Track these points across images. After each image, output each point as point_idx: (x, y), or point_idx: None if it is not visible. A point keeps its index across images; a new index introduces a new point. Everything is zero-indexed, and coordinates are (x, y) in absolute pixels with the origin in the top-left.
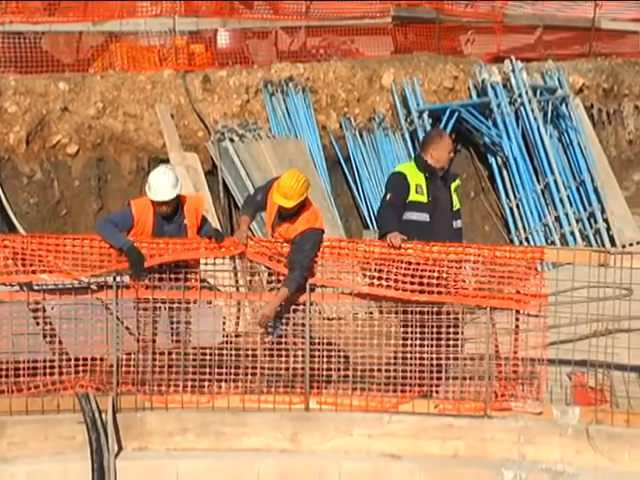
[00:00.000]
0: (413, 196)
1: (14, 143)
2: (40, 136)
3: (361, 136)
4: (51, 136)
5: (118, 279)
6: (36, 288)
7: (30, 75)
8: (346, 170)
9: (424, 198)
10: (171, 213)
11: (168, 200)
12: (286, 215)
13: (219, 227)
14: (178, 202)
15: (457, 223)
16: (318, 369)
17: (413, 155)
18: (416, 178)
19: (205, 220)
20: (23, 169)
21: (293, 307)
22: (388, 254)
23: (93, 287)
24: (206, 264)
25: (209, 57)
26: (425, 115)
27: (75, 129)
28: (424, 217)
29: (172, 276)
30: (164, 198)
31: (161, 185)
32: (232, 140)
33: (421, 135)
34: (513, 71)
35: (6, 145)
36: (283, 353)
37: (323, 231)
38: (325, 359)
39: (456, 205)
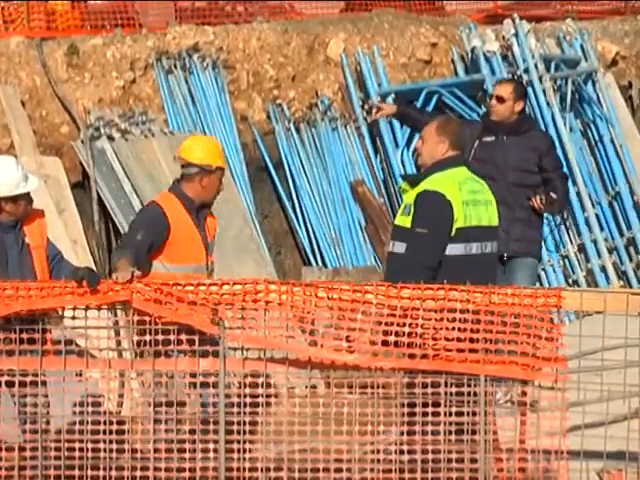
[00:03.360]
0: None
1: None
2: None
3: (298, 131)
4: None
5: None
6: None
7: None
8: (277, 180)
9: None
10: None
11: (19, 195)
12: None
13: (92, 264)
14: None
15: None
16: (238, 469)
17: (373, 156)
18: None
19: (50, 242)
20: None
21: (201, 379)
22: (338, 300)
23: None
24: (73, 318)
25: (77, 17)
26: (390, 99)
27: None
28: None
29: (23, 336)
30: (14, 192)
31: (8, 175)
32: (111, 138)
33: (384, 127)
34: (516, 36)
35: None
36: (187, 447)
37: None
38: (247, 455)
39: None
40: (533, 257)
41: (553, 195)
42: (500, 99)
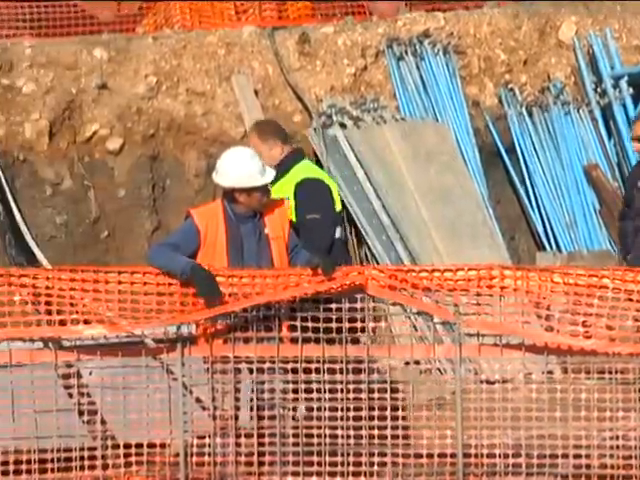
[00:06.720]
0: None
1: (32, 137)
2: (68, 126)
3: (530, 115)
4: (84, 126)
5: (184, 330)
6: (67, 345)
7: (53, 39)
8: (509, 165)
9: None
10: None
11: (253, 187)
12: None
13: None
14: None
15: None
16: (475, 455)
17: (606, 139)
18: None
19: (292, 233)
20: (45, 174)
21: (437, 366)
22: (574, 285)
23: (148, 342)
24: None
25: (307, 7)
26: (623, 82)
27: (118, 115)
28: None
29: (261, 324)
30: (246, 184)
31: (241, 167)
32: (343, 125)
33: (617, 110)
34: None
35: (21, 140)
36: (425, 433)
37: None
38: (485, 440)
39: None
40: None
41: None
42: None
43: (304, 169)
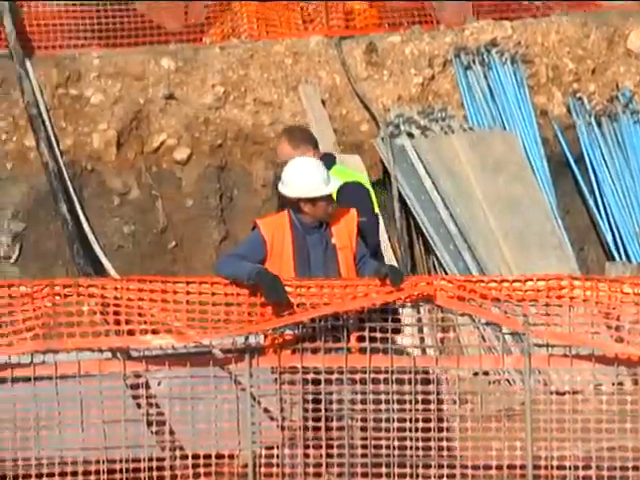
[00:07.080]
0: None
1: (100, 147)
2: (136, 136)
3: (599, 125)
4: (151, 136)
5: (252, 340)
6: (135, 355)
7: (121, 49)
8: (578, 175)
9: None
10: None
11: (318, 197)
12: None
13: (394, 261)
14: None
15: None
16: (545, 466)
17: None
18: None
19: (359, 243)
20: (113, 184)
21: (506, 376)
22: None
23: (217, 352)
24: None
25: (374, 16)
26: None
27: (185, 125)
28: None
29: (330, 334)
30: (311, 194)
31: (306, 177)
32: (411, 135)
33: None
34: None
35: (89, 150)
36: (494, 444)
37: None
38: (555, 452)
39: None
40: None
41: None
42: None
43: (339, 173)
